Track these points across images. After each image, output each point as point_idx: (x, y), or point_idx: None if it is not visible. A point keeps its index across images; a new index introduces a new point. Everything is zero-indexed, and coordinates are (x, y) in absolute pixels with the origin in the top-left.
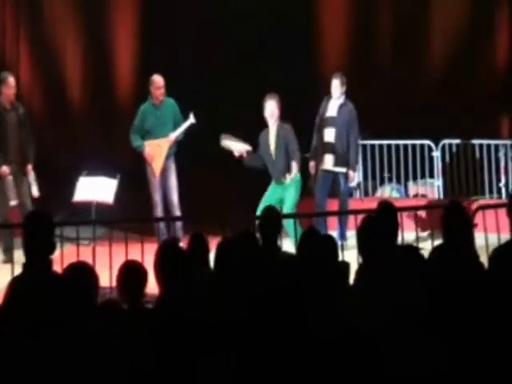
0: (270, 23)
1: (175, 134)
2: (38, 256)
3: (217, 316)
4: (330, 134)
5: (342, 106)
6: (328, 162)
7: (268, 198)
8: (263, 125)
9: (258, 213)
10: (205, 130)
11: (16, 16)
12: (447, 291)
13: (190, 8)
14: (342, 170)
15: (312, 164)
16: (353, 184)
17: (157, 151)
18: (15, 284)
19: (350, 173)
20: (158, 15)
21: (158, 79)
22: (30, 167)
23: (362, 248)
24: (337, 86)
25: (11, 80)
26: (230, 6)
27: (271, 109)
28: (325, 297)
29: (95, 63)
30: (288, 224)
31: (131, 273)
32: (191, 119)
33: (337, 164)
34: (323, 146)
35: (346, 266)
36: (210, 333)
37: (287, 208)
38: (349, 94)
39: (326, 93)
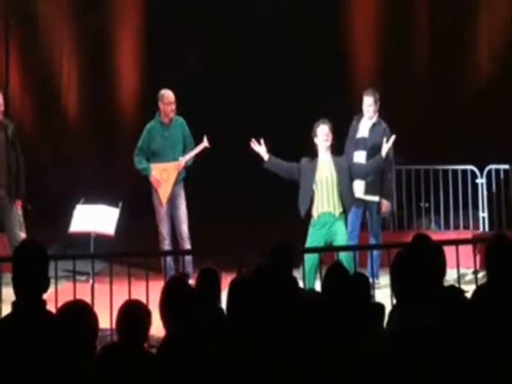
0: (290, 30)
1: (185, 159)
2: (30, 294)
3: (225, 364)
4: (360, 158)
5: (374, 126)
6: (358, 189)
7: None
8: (284, 145)
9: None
10: (216, 153)
11: (5, 25)
12: (493, 339)
13: (201, 20)
14: (374, 198)
15: None
16: (386, 215)
17: (164, 176)
18: (3, 325)
19: (384, 202)
20: (164, 28)
21: (168, 94)
22: (18, 203)
23: (395, 287)
24: (370, 105)
25: None
26: (245, 17)
27: (326, 132)
28: (352, 349)
29: (94, 79)
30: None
31: (132, 314)
32: (205, 143)
33: (368, 191)
34: (352, 172)
35: (380, 308)
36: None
37: (342, 242)
38: (382, 113)
39: (357, 112)
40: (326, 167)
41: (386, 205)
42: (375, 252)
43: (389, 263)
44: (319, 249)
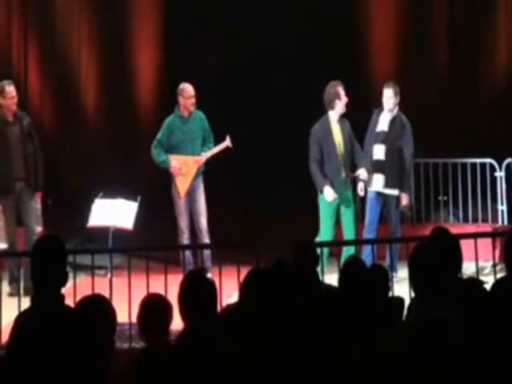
0: (309, 28)
1: (207, 156)
2: (48, 288)
3: (242, 356)
4: (379, 151)
5: (394, 120)
6: (378, 182)
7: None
8: (301, 141)
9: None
10: (236, 148)
11: (24, 22)
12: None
13: (220, 17)
14: (394, 192)
15: (361, 185)
16: (405, 209)
17: (183, 169)
18: (22, 320)
19: (403, 195)
20: (182, 22)
21: (188, 87)
22: (37, 195)
23: (414, 281)
24: (390, 97)
25: (9, 89)
26: (263, 15)
27: (340, 92)
28: (371, 342)
29: (113, 71)
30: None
31: (154, 308)
32: (227, 142)
33: (387, 185)
34: (373, 165)
35: (400, 302)
36: (235, 375)
37: (351, 235)
38: (402, 106)
39: (374, 105)
40: (337, 135)
41: (405, 199)
42: (394, 245)
43: (407, 256)
44: (336, 243)
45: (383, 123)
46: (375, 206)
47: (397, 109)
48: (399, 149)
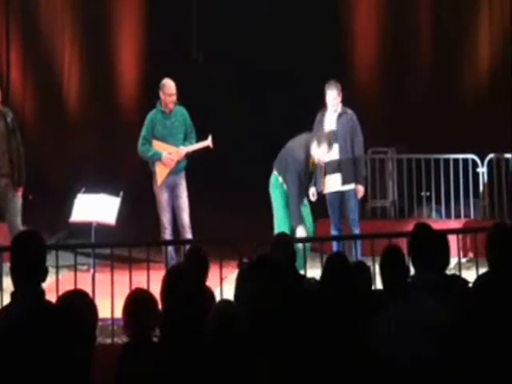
0: (293, 28)
1: (187, 150)
2: (28, 283)
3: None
4: (333, 150)
5: (340, 116)
6: (335, 182)
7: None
8: (284, 136)
9: None
10: (217, 144)
11: (6, 17)
12: (493, 329)
13: (204, 7)
14: (351, 186)
15: (313, 190)
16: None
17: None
18: (2, 315)
19: (359, 187)
20: (165, 14)
21: (169, 84)
22: (19, 190)
23: (385, 282)
24: (334, 97)
25: None
26: (244, 7)
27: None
28: (352, 337)
29: (95, 67)
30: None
31: (141, 304)
32: (208, 142)
33: (345, 182)
34: (326, 167)
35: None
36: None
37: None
38: (385, 103)
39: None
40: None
41: (361, 190)
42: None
43: None
44: (319, 239)
45: (330, 123)
46: (337, 208)
47: (340, 105)
48: (351, 144)
